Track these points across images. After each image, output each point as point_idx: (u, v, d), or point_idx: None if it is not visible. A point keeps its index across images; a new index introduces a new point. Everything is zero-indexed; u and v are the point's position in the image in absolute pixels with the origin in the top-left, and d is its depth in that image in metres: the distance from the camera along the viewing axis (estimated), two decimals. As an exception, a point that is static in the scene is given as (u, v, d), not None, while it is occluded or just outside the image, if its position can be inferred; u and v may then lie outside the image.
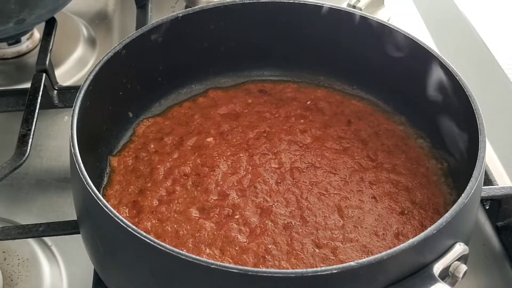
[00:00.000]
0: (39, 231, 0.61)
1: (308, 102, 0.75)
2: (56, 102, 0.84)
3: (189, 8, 0.73)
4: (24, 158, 0.69)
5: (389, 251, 0.46)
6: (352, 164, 0.67)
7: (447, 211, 0.49)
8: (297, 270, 0.45)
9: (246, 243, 0.58)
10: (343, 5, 0.83)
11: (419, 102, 0.69)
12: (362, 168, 0.66)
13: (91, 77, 0.61)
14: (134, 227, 0.47)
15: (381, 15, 0.92)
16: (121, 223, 0.48)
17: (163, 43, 0.71)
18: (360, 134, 0.70)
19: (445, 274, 0.50)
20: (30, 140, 0.71)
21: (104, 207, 0.49)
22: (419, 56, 0.66)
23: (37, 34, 0.96)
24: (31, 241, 0.68)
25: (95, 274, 0.61)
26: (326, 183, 0.64)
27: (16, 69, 0.93)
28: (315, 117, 0.72)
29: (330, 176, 0.65)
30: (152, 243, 0.46)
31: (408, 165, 0.67)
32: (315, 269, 0.45)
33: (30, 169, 0.77)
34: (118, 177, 0.66)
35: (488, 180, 0.72)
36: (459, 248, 0.50)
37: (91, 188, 0.51)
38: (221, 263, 0.45)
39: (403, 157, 0.67)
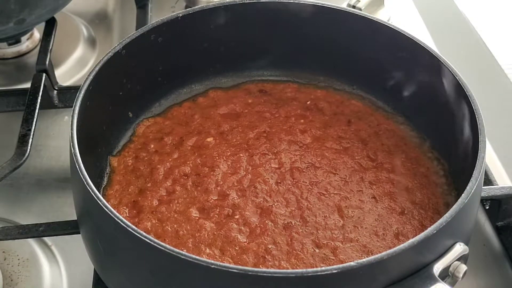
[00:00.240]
0: (39, 231, 0.61)
1: (308, 102, 0.75)
2: (56, 102, 0.84)
3: (189, 8, 0.73)
4: (24, 158, 0.69)
5: (389, 251, 0.46)
6: (352, 164, 0.67)
7: (447, 211, 0.49)
8: (297, 270, 0.45)
9: (246, 243, 0.58)
10: (343, 5, 0.83)
11: (419, 102, 0.69)
12: (362, 168, 0.66)
13: (91, 77, 0.61)
14: (134, 227, 0.47)
15: (381, 15, 0.92)
16: (121, 223, 0.48)
17: (163, 43, 0.71)
18: (360, 134, 0.70)
19: (445, 274, 0.50)
20: (30, 140, 0.71)
21: (104, 207, 0.49)
22: (419, 56, 0.66)
23: (37, 34, 0.96)
24: (31, 241, 0.68)
25: (95, 274, 0.61)
26: (326, 183, 0.64)
27: (16, 69, 0.93)
28: (315, 117, 0.72)
29: (330, 176, 0.65)
30: (152, 243, 0.46)
31: (408, 165, 0.67)
32: (315, 269, 0.45)
33: (30, 169, 0.77)
34: (118, 177, 0.66)
35: (488, 180, 0.72)
36: (459, 248, 0.50)
37: (91, 188, 0.51)
38: (221, 263, 0.45)
39: (403, 157, 0.67)
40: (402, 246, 0.46)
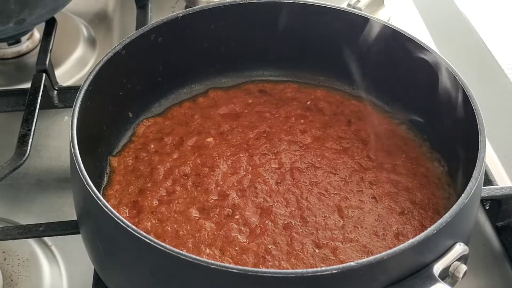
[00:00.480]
0: (39, 231, 0.61)
1: (308, 102, 0.75)
2: (56, 102, 0.84)
3: (189, 8, 0.73)
4: (24, 158, 0.69)
5: (389, 251, 0.46)
6: (352, 164, 0.67)
7: (447, 211, 0.49)
8: (297, 270, 0.45)
9: (246, 243, 0.58)
10: (343, 5, 0.83)
11: (419, 102, 0.69)
12: (362, 168, 0.66)
13: (91, 77, 0.61)
14: (134, 227, 0.47)
15: (381, 15, 0.92)
16: (121, 223, 0.48)
17: (163, 43, 0.71)
18: (360, 134, 0.70)
19: (445, 274, 0.50)
20: (30, 140, 0.71)
21: (104, 207, 0.49)
22: (419, 56, 0.66)
23: (37, 34, 0.96)
24: (31, 241, 0.68)
25: (95, 274, 0.61)
26: (326, 183, 0.64)
27: (16, 69, 0.93)
28: (315, 117, 0.72)
29: (330, 176, 0.65)
30: (152, 243, 0.46)
31: (408, 165, 0.67)
32: (315, 269, 0.45)
33: (30, 169, 0.77)
34: (118, 177, 0.66)
35: (488, 180, 0.72)
36: (459, 248, 0.50)
37: (91, 188, 0.51)
38: (221, 263, 0.45)
39: (403, 157, 0.67)
40: (402, 246, 0.46)
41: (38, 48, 0.89)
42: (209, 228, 0.59)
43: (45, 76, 0.81)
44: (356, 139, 0.70)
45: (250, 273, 0.45)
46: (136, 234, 0.47)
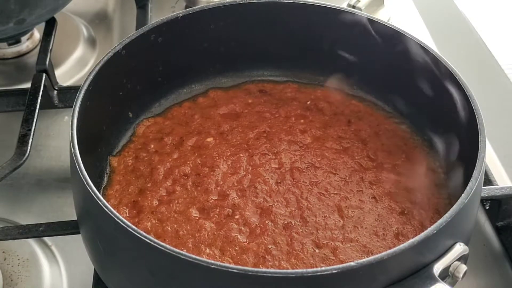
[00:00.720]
0: (39, 231, 0.61)
1: (308, 102, 0.75)
2: (56, 102, 0.84)
3: (189, 8, 0.73)
4: (24, 158, 0.69)
5: (389, 251, 0.46)
6: (352, 164, 0.67)
7: (447, 211, 0.49)
8: (297, 270, 0.45)
9: (246, 243, 0.58)
10: (343, 5, 0.83)
11: (419, 102, 0.69)
12: (362, 168, 0.66)
13: (91, 77, 0.61)
14: (134, 227, 0.47)
15: (381, 15, 0.92)
16: (121, 223, 0.48)
17: (163, 43, 0.71)
18: (360, 134, 0.70)
19: (445, 274, 0.50)
20: (30, 140, 0.71)
21: (104, 207, 0.49)
22: (419, 56, 0.66)
23: (37, 34, 0.96)
24: (31, 241, 0.68)
25: (95, 274, 0.61)
26: (326, 183, 0.64)
27: (16, 69, 0.93)
28: (315, 117, 0.72)
29: (330, 176, 0.65)
30: (152, 243, 0.46)
31: (408, 165, 0.67)
32: (315, 269, 0.45)
33: (30, 169, 0.77)
34: (118, 177, 0.66)
35: (488, 180, 0.72)
36: (459, 248, 0.50)
37: (91, 188, 0.51)
38: (221, 263, 0.45)
39: (403, 157, 0.67)
40: (402, 246, 0.46)
41: (38, 48, 0.89)
42: (209, 228, 0.59)
43: (45, 76, 0.81)
44: (356, 139, 0.70)
45: (250, 273, 0.45)
46: (136, 234, 0.47)
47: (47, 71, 0.82)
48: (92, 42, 0.98)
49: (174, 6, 1.05)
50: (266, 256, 0.57)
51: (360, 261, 0.45)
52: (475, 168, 0.53)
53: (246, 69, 0.78)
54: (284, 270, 0.45)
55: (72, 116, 0.57)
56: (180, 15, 0.70)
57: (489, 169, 0.74)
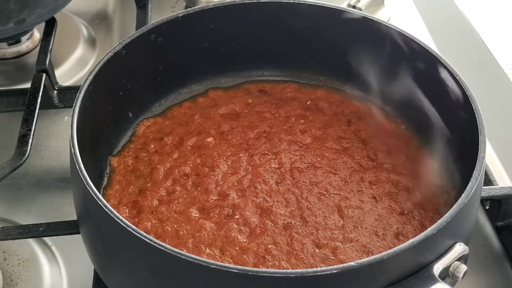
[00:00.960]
0: (39, 231, 0.61)
1: (308, 102, 0.75)
2: (56, 102, 0.84)
3: (189, 8, 0.73)
4: (24, 158, 0.69)
5: (389, 251, 0.46)
6: (352, 164, 0.67)
7: (447, 211, 0.49)
8: (297, 270, 0.45)
9: (246, 243, 0.58)
10: (343, 5, 0.83)
11: (419, 102, 0.69)
12: (362, 168, 0.66)
13: (91, 77, 0.61)
14: (134, 227, 0.47)
15: (381, 15, 0.92)
16: (121, 223, 0.48)
17: (163, 43, 0.71)
18: (360, 134, 0.70)
19: (445, 274, 0.50)
20: (30, 140, 0.71)
21: (104, 207, 0.49)
22: (419, 56, 0.66)
23: (37, 34, 0.96)
24: (31, 241, 0.68)
25: (95, 274, 0.61)
26: (326, 183, 0.64)
27: (16, 69, 0.93)
28: (315, 117, 0.72)
29: (330, 176, 0.65)
30: (152, 243, 0.46)
31: (408, 165, 0.67)
32: (315, 269, 0.45)
33: (30, 169, 0.77)
34: (118, 177, 0.66)
35: (488, 180, 0.72)
36: (459, 248, 0.50)
37: (91, 188, 0.51)
38: (221, 263, 0.45)
39: (403, 157, 0.67)
40: (402, 246, 0.46)
41: (38, 48, 0.90)
42: (209, 228, 0.59)
43: (45, 76, 0.81)
44: (356, 139, 0.70)
45: (250, 273, 0.45)
46: (136, 234, 0.47)
47: (47, 71, 0.82)
48: (92, 42, 0.98)
49: (174, 6, 1.05)
50: (266, 256, 0.57)
51: (360, 261, 0.45)
52: (475, 168, 0.53)
53: (246, 69, 0.78)
54: (284, 270, 0.45)
55: (72, 116, 0.57)
56: (180, 15, 0.70)
57: (489, 169, 0.74)
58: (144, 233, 0.47)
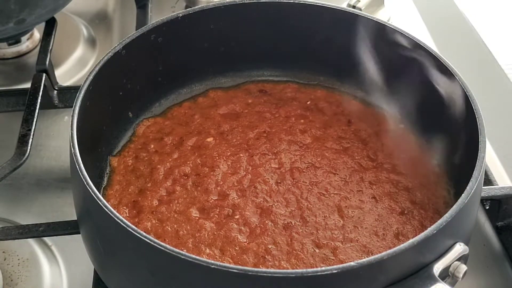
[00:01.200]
0: (39, 231, 0.61)
1: (308, 102, 0.75)
2: (56, 102, 0.84)
3: (189, 8, 0.73)
4: (24, 158, 0.69)
5: (389, 251, 0.46)
6: (352, 164, 0.67)
7: (447, 211, 0.49)
8: (297, 270, 0.45)
9: (246, 243, 0.58)
10: (343, 5, 0.83)
11: (419, 102, 0.69)
12: (362, 168, 0.66)
13: (91, 77, 0.61)
14: (134, 227, 0.47)
15: (381, 15, 0.92)
16: (121, 223, 0.48)
17: (163, 43, 0.71)
18: (360, 134, 0.70)
19: (445, 274, 0.50)
20: (30, 140, 0.71)
21: (104, 207, 0.49)
22: (418, 57, 0.66)
23: (37, 34, 0.96)
24: (31, 241, 0.68)
25: (95, 274, 0.61)
26: (326, 183, 0.64)
27: (16, 69, 0.93)
28: (315, 117, 0.72)
29: (330, 176, 0.65)
30: (152, 243, 0.46)
31: (408, 165, 0.67)
32: (315, 269, 0.45)
33: (30, 169, 0.77)
34: (118, 177, 0.66)
35: (488, 180, 0.72)
36: (459, 248, 0.50)
37: (91, 188, 0.51)
38: (221, 263, 0.45)
39: (403, 157, 0.67)
40: (402, 246, 0.46)
41: (38, 48, 0.90)
42: (209, 228, 0.59)
43: (45, 76, 0.81)
44: (356, 139, 0.70)
45: (250, 273, 0.45)
46: (136, 234, 0.47)
47: (47, 71, 0.82)
48: (92, 42, 0.98)
49: (174, 6, 1.05)
50: (266, 256, 0.57)
51: (360, 261, 0.45)
52: (475, 168, 0.53)
53: (246, 69, 0.78)
54: (284, 270, 0.45)
55: (72, 116, 0.57)
56: (180, 15, 0.70)
57: (489, 169, 0.74)
58: (144, 233, 0.47)
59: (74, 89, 0.84)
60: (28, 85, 0.80)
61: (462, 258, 0.50)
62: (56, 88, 0.84)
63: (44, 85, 0.80)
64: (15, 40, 0.93)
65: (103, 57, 0.64)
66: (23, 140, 0.71)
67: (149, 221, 0.60)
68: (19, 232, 0.61)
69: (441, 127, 0.66)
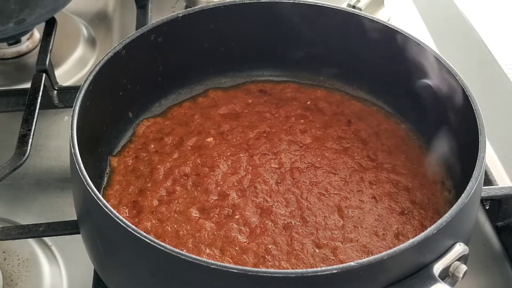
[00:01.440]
0: (39, 231, 0.61)
1: (308, 102, 0.75)
2: (56, 102, 0.84)
3: (189, 8, 0.73)
4: (24, 158, 0.69)
5: (389, 251, 0.46)
6: (352, 164, 0.67)
7: (447, 211, 0.49)
8: (297, 270, 0.45)
9: (246, 243, 0.58)
10: (343, 5, 0.83)
11: (419, 102, 0.69)
12: (362, 168, 0.66)
13: (91, 77, 0.61)
14: (134, 227, 0.47)
15: (381, 15, 0.92)
16: (121, 223, 0.48)
17: (163, 43, 0.71)
18: (360, 134, 0.70)
19: (445, 274, 0.50)
20: (30, 140, 0.71)
21: (104, 207, 0.49)
22: (419, 57, 0.66)
23: (37, 34, 0.96)
24: (31, 241, 0.68)
25: (95, 274, 0.61)
26: (326, 183, 0.64)
27: (16, 69, 0.93)
28: (315, 117, 0.72)
29: (330, 176, 0.65)
30: (152, 243, 0.46)
31: (408, 165, 0.67)
32: (315, 269, 0.45)
33: (30, 169, 0.77)
34: (118, 177, 0.66)
35: (488, 180, 0.72)
36: (459, 248, 0.50)
37: (91, 188, 0.51)
38: (221, 263, 0.45)
39: (403, 157, 0.67)
40: (402, 246, 0.46)
41: (38, 48, 0.90)
42: (209, 228, 0.59)
43: (45, 76, 0.81)
44: (356, 139, 0.70)
45: (250, 273, 0.45)
46: (136, 234, 0.47)
47: (47, 71, 0.82)
48: (92, 42, 0.99)
49: (174, 6, 1.05)
50: (266, 256, 0.57)
51: (360, 261, 0.45)
52: (475, 168, 0.53)
53: (246, 69, 0.78)
54: (284, 270, 0.45)
55: (72, 116, 0.57)
56: (180, 15, 0.70)
57: (489, 169, 0.74)
58: (144, 233, 0.47)
59: (74, 89, 0.84)
60: (28, 85, 0.80)
61: (462, 258, 0.50)
62: (56, 88, 0.84)
63: (44, 85, 0.80)
64: (15, 40, 0.93)
65: (103, 57, 0.64)
66: (23, 140, 0.71)
67: (149, 221, 0.60)
68: (19, 232, 0.61)
69: (441, 127, 0.66)
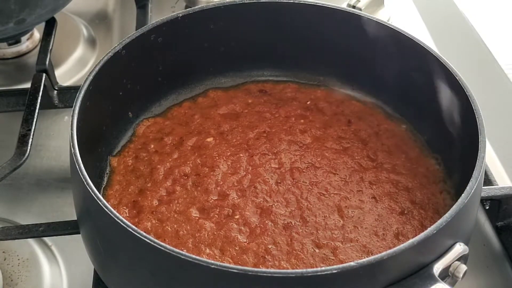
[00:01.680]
0: (39, 231, 0.61)
1: (308, 102, 0.75)
2: (56, 102, 0.84)
3: (189, 8, 0.73)
4: (24, 158, 0.69)
5: (389, 251, 0.46)
6: (352, 164, 0.67)
7: (447, 211, 0.49)
8: (297, 270, 0.45)
9: (246, 243, 0.58)
10: (343, 5, 0.83)
11: (419, 102, 0.69)
12: (362, 168, 0.66)
13: (91, 77, 0.61)
14: (134, 227, 0.47)
15: (381, 15, 0.92)
16: (121, 223, 0.48)
17: (163, 43, 0.71)
18: (360, 134, 0.70)
19: (445, 274, 0.50)
20: (30, 140, 0.71)
21: (104, 207, 0.49)
22: (419, 57, 0.66)
23: (37, 34, 0.96)
24: (31, 241, 0.68)
25: (95, 274, 0.61)
26: (326, 183, 0.64)
27: (16, 69, 0.93)
28: (315, 117, 0.72)
29: (330, 176, 0.65)
30: (152, 243, 0.46)
31: (408, 165, 0.67)
32: (315, 269, 0.45)
33: (30, 169, 0.77)
34: (118, 177, 0.66)
35: (488, 180, 0.72)
36: (459, 248, 0.50)
37: (91, 188, 0.51)
38: (221, 263, 0.45)
39: (403, 157, 0.67)
40: (402, 246, 0.46)
41: (38, 48, 0.89)
42: (209, 228, 0.59)
43: (45, 76, 0.81)
44: (356, 139, 0.70)
45: (250, 273, 0.45)
46: (136, 234, 0.47)
47: (47, 71, 0.82)
48: (92, 42, 0.99)
49: (174, 6, 1.05)
50: (266, 256, 0.57)
51: (360, 261, 0.45)
52: (475, 168, 0.53)
53: (246, 69, 0.78)
54: (284, 270, 0.45)
55: (72, 116, 0.57)
56: (180, 15, 0.70)
57: (489, 169, 0.74)
58: (144, 233, 0.47)
59: (74, 89, 0.84)
60: (28, 85, 0.80)
61: (462, 258, 0.50)
62: (56, 88, 0.84)
63: (44, 85, 0.80)
64: (15, 40, 0.93)
65: (103, 57, 0.64)
66: (23, 140, 0.71)
67: (149, 221, 0.60)
68: (19, 232, 0.61)
69: (441, 127, 0.66)
